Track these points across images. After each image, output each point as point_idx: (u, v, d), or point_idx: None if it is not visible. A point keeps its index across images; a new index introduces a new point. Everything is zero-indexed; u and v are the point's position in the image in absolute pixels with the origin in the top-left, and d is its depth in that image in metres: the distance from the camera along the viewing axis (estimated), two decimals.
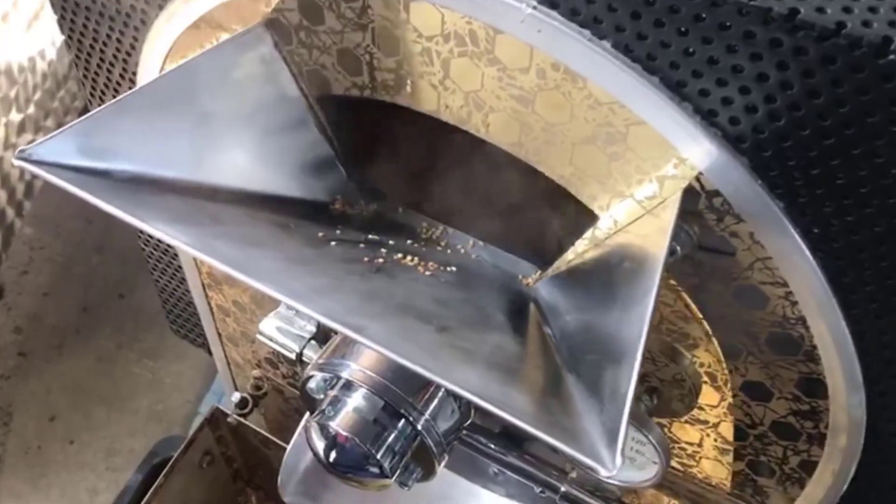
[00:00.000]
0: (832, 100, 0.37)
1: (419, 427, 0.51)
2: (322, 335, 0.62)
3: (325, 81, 0.54)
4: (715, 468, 0.62)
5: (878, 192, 0.40)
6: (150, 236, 0.66)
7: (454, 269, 0.55)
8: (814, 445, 0.54)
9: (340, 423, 0.51)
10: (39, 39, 1.21)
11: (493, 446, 0.63)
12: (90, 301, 1.52)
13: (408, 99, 0.52)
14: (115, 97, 0.68)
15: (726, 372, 0.53)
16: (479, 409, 0.44)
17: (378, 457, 0.50)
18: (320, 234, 0.53)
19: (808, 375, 0.50)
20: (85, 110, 0.97)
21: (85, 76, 0.71)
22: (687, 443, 0.61)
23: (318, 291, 0.44)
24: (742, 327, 0.50)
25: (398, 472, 0.52)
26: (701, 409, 0.57)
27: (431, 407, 0.52)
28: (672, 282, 0.50)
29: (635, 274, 0.44)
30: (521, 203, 0.54)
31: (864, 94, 0.36)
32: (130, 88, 0.67)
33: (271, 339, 0.62)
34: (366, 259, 0.52)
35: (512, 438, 0.63)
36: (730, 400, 0.55)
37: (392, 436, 0.51)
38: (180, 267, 0.84)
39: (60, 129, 0.43)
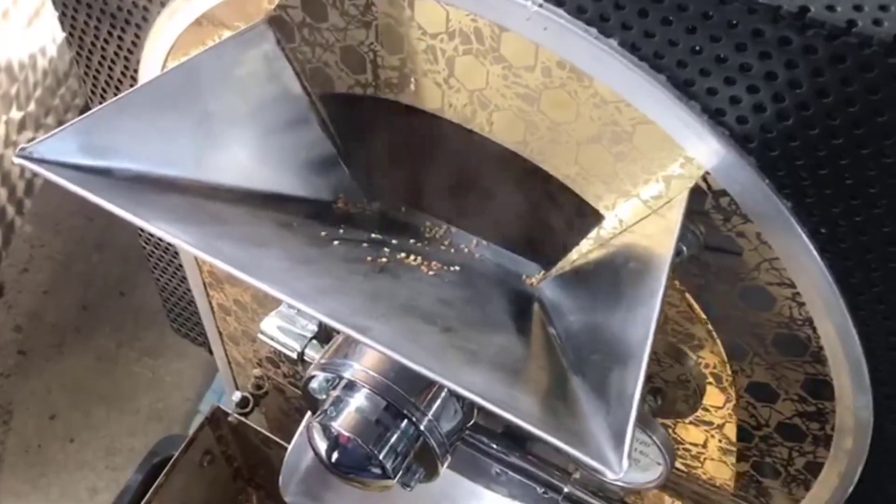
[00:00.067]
0: (841, 99, 0.37)
1: (422, 427, 0.51)
2: (324, 334, 0.62)
3: (328, 79, 0.54)
4: (719, 469, 0.61)
5: (886, 192, 0.39)
6: (151, 234, 0.66)
7: (458, 268, 0.55)
8: (819, 447, 0.54)
9: (343, 424, 0.50)
10: (40, 36, 1.21)
11: (495, 447, 0.63)
12: (90, 299, 1.52)
13: (412, 97, 0.51)
14: (116, 95, 0.68)
15: (731, 373, 0.53)
16: (482, 409, 0.44)
17: (380, 457, 0.50)
18: (323, 234, 0.53)
19: (815, 377, 0.49)
20: (86, 108, 0.97)
21: (86, 74, 0.70)
22: (691, 444, 0.61)
23: (322, 292, 0.44)
24: (748, 328, 0.49)
25: (401, 472, 0.52)
26: (706, 410, 0.57)
27: (434, 407, 0.51)
28: (677, 282, 0.49)
29: (641, 274, 0.43)
30: (525, 202, 0.53)
31: (874, 94, 0.36)
32: (132, 86, 0.67)
33: (273, 339, 0.62)
34: (369, 259, 0.52)
35: (515, 439, 0.63)
36: (735, 401, 0.55)
37: (395, 436, 0.51)
38: (181, 265, 0.83)
39: (61, 127, 0.42)
